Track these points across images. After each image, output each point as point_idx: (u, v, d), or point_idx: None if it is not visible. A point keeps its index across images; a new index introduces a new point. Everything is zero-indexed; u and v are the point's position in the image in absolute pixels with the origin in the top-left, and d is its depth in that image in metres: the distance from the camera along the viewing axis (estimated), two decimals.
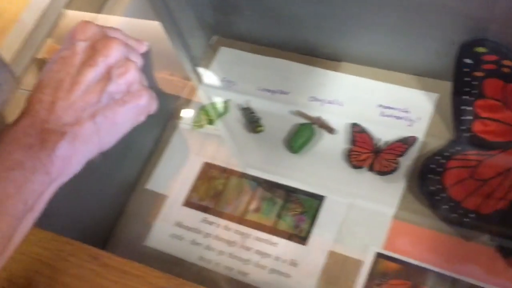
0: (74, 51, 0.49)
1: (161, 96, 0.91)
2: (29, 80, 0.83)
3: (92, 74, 0.48)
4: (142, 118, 0.52)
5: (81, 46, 0.50)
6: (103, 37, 0.51)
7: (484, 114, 0.75)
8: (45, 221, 0.59)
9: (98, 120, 0.47)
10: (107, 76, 0.49)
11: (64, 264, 0.51)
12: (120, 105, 0.49)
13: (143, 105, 0.51)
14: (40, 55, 0.85)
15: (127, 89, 0.50)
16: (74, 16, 0.89)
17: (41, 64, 0.86)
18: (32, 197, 0.43)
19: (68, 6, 0.88)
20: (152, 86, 0.86)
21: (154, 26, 0.89)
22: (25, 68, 0.83)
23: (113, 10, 0.94)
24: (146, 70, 0.83)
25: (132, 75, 0.50)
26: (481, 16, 0.71)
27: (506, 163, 0.73)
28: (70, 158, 0.46)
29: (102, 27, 0.52)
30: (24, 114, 0.47)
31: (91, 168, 0.84)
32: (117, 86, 0.49)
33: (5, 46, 0.80)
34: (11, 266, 0.51)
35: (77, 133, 0.46)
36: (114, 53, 0.49)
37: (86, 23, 0.51)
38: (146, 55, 0.55)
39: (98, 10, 0.97)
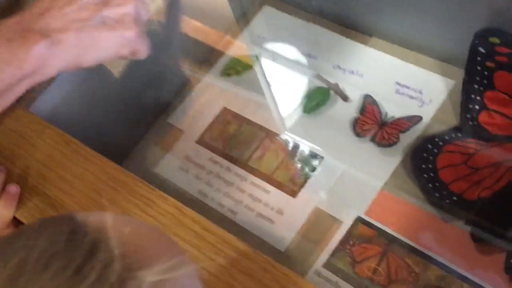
0: None
1: (191, 42, 0.98)
2: None
3: None
4: (125, 51, 0.54)
5: None
6: None
7: (492, 106, 0.77)
8: (69, 128, 0.67)
9: (82, 35, 0.51)
10: (106, 1, 0.52)
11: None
12: (107, 30, 0.52)
13: (129, 38, 0.53)
14: None
15: (120, 18, 0.52)
16: None
17: None
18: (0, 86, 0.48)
19: None
20: (173, 28, 0.92)
21: None
22: None
23: None
24: (172, 10, 0.89)
25: (129, 9, 0.53)
26: (503, 5, 0.72)
27: (501, 155, 0.74)
28: (46, 60, 0.49)
29: None
30: (19, 14, 0.51)
31: (126, 87, 0.92)
32: (111, 12, 0.52)
33: None
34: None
35: (59, 39, 0.50)
36: None
37: None
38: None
39: None
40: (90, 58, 0.53)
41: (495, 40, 0.72)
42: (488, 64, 0.74)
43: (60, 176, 0.57)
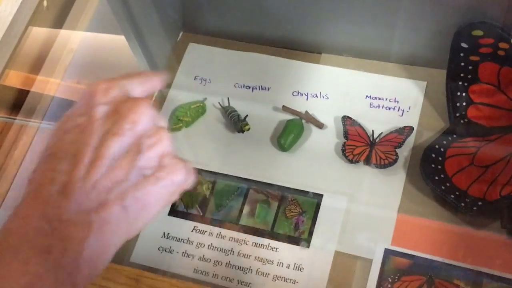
0: (93, 116, 0.39)
1: None
2: None
3: (117, 145, 0.38)
4: (176, 196, 0.42)
5: (102, 111, 0.39)
6: (127, 98, 0.40)
7: (478, 100, 0.74)
8: None
9: (127, 202, 0.37)
10: (136, 148, 0.39)
11: None
12: (153, 183, 0.39)
13: (179, 181, 0.41)
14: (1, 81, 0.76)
15: (159, 162, 0.39)
16: (37, 33, 0.81)
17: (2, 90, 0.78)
18: None
19: (31, 23, 0.79)
20: None
21: (118, 40, 0.83)
22: None
23: (76, 25, 0.86)
24: None
25: (164, 146, 0.40)
26: (469, 3, 0.70)
27: (506, 148, 0.71)
28: (98, 257, 0.36)
29: (123, 85, 0.41)
30: (29, 200, 0.37)
31: None
32: (148, 159, 0.39)
33: None
34: None
35: (104, 221, 0.36)
36: (142, 118, 0.39)
37: (108, 84, 0.40)
38: None
39: (60, 25, 0.89)
40: (140, 223, 0.39)
41: (479, 32, 0.69)
42: (472, 58, 0.71)
43: None
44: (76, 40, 0.86)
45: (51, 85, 0.84)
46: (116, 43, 0.84)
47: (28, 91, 0.82)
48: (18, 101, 0.82)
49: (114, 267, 0.46)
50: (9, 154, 0.79)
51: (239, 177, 0.77)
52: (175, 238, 0.74)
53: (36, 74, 0.84)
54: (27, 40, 0.80)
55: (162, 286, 0.42)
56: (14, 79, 0.79)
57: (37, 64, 0.84)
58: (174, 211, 0.76)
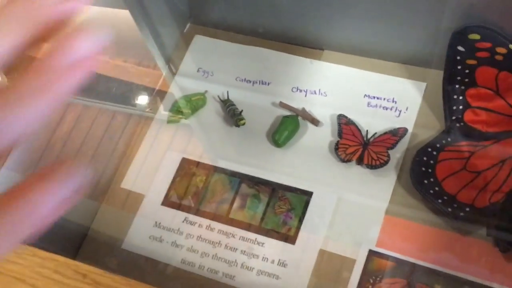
0: None
1: (128, 86, 0.87)
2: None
3: None
4: None
5: None
6: None
7: (475, 104, 0.73)
8: None
9: None
10: None
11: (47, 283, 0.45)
12: None
13: None
14: None
15: None
16: None
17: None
18: None
19: None
20: None
21: (123, 15, 0.84)
22: None
23: None
24: None
25: None
26: (468, 2, 0.68)
27: (500, 154, 0.70)
28: None
29: None
30: None
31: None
32: None
33: None
34: None
35: None
36: None
37: None
38: None
39: None
40: None
41: (475, 36, 0.68)
42: (469, 61, 0.70)
43: None
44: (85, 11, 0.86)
45: None
46: (122, 18, 0.84)
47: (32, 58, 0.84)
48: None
49: (63, 260, 0.48)
50: None
51: (233, 171, 0.78)
52: (166, 228, 0.76)
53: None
54: None
55: (105, 282, 0.44)
56: None
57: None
58: (167, 201, 0.77)
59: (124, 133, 0.83)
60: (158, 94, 0.86)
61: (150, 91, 0.86)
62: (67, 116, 0.87)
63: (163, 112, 0.84)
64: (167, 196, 0.78)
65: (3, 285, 0.45)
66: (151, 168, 0.80)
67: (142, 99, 0.87)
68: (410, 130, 0.75)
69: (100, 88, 0.88)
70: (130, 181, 0.80)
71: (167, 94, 0.86)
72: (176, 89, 0.85)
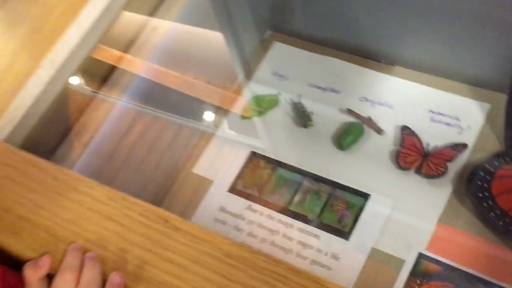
0: None
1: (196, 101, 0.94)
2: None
3: None
4: None
5: None
6: None
7: None
8: None
9: None
10: None
11: (133, 223, 0.52)
12: None
13: None
14: (92, 55, 0.86)
15: None
16: (129, 17, 0.90)
17: (92, 63, 0.87)
18: None
19: (125, 7, 0.89)
20: None
21: (207, 33, 0.91)
22: (78, 67, 0.84)
23: (168, 13, 0.95)
24: None
25: None
26: None
27: None
28: None
29: None
30: None
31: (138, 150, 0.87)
32: None
33: (62, 45, 0.80)
34: (82, 222, 0.52)
35: None
36: None
37: None
38: None
39: (152, 13, 0.98)
40: None
41: None
42: None
43: (164, 258, 0.49)
44: (164, 27, 0.94)
45: (136, 64, 0.93)
46: (200, 35, 0.92)
47: (114, 67, 0.92)
48: (104, 75, 0.91)
49: (148, 207, 0.54)
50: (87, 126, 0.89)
51: (297, 168, 0.83)
52: (230, 213, 0.82)
53: (124, 52, 0.93)
54: (120, 22, 0.90)
55: (185, 228, 0.49)
56: (103, 53, 0.89)
57: (125, 44, 0.93)
58: (233, 189, 0.83)
59: (193, 136, 0.90)
60: (236, 91, 0.93)
61: (216, 108, 0.93)
62: (135, 125, 0.94)
63: (238, 108, 0.91)
64: (234, 184, 0.84)
65: (96, 222, 0.52)
66: (221, 158, 0.87)
67: (209, 115, 0.93)
68: (470, 147, 0.79)
69: (169, 101, 0.95)
70: (201, 167, 0.86)
71: (243, 93, 0.92)
72: (252, 89, 0.92)
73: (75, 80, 0.90)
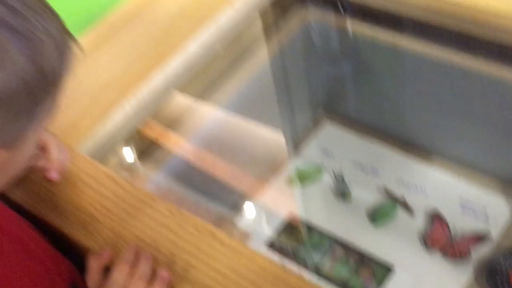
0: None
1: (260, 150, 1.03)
2: None
3: None
4: None
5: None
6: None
7: None
8: None
9: None
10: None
11: (185, 233, 0.60)
12: None
13: None
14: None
15: None
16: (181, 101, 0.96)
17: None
18: None
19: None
20: None
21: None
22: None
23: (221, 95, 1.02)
24: None
25: None
26: None
27: None
28: None
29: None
30: None
31: None
32: None
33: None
34: (143, 228, 0.61)
35: None
36: None
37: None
38: None
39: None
40: None
41: None
42: None
43: (208, 265, 0.57)
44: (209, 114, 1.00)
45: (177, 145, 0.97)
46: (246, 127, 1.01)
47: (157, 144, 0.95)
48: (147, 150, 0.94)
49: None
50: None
51: (331, 235, 0.90)
52: None
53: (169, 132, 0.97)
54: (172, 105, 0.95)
55: (229, 243, 0.58)
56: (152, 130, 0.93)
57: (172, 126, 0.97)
58: (272, 246, 0.91)
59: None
60: (282, 161, 1.02)
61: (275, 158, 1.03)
62: None
63: (284, 176, 1.00)
64: (272, 239, 0.91)
65: (155, 229, 0.60)
66: (263, 215, 0.95)
67: (270, 163, 1.03)
68: (495, 238, 0.85)
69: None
70: (243, 220, 0.95)
71: (291, 163, 1.02)
72: (300, 161, 1.01)
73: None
